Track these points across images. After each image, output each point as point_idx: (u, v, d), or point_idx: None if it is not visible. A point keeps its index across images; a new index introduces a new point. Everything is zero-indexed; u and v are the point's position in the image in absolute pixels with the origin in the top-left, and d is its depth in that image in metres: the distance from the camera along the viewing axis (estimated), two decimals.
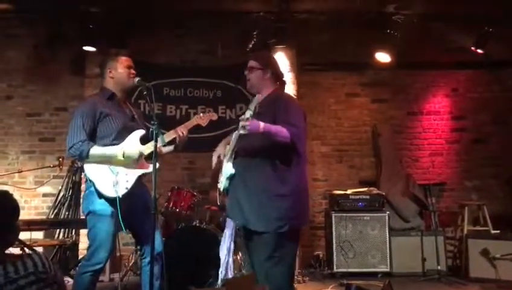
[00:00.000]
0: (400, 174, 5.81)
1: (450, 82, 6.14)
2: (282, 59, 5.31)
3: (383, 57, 5.53)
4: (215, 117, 3.36)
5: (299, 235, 3.12)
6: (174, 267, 3.89)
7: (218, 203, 3.49)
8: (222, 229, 4.36)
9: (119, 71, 3.13)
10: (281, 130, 2.81)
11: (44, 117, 5.86)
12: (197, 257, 4.01)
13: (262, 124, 2.75)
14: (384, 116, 6.07)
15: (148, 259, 3.02)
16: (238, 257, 4.17)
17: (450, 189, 5.99)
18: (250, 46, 5.33)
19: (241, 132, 2.80)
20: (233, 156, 3.04)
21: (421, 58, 5.92)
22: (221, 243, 3.55)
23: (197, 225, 4.27)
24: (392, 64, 5.61)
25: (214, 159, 3.19)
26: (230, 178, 3.01)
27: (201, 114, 3.35)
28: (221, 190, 3.09)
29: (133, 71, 3.15)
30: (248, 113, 2.83)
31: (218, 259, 3.98)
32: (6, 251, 1.57)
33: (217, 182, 4.89)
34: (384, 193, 5.30)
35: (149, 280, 2.85)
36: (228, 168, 3.00)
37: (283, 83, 3.22)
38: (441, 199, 5.95)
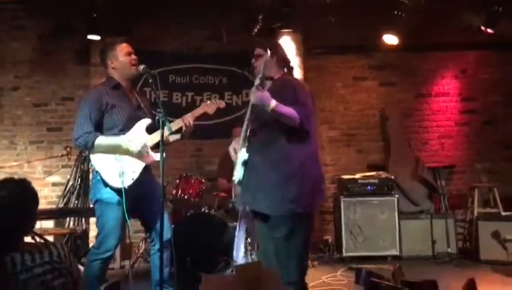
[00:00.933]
0: (408, 158, 5.76)
1: (459, 63, 6.05)
2: (288, 43, 5.26)
3: (390, 39, 5.43)
4: (222, 105, 3.33)
5: (312, 218, 3.12)
6: (184, 254, 3.92)
7: (234, 197, 3.50)
8: (231, 216, 4.39)
9: (121, 60, 3.09)
10: (290, 112, 2.80)
11: (51, 107, 5.87)
12: (206, 243, 4.02)
13: (274, 102, 2.74)
14: (392, 99, 6.01)
15: (157, 246, 3.03)
16: (249, 242, 4.19)
17: (460, 171, 5.93)
18: (256, 30, 5.27)
19: (251, 100, 2.80)
20: (246, 142, 3.04)
21: (430, 40, 5.83)
22: (237, 229, 3.58)
23: (206, 211, 4.28)
24: (400, 46, 5.52)
25: (232, 153, 3.19)
26: (245, 164, 3.01)
27: (208, 102, 3.32)
28: (236, 181, 3.09)
29: (134, 57, 3.11)
30: (257, 81, 2.84)
31: (227, 245, 4.02)
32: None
33: (225, 171, 4.93)
34: (393, 177, 5.27)
35: (158, 267, 2.86)
36: (242, 154, 3.01)
37: (290, 69, 3.20)
38: (451, 181, 5.90)
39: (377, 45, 5.64)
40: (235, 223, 4.26)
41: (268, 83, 3.02)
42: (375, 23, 5.36)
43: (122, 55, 3.09)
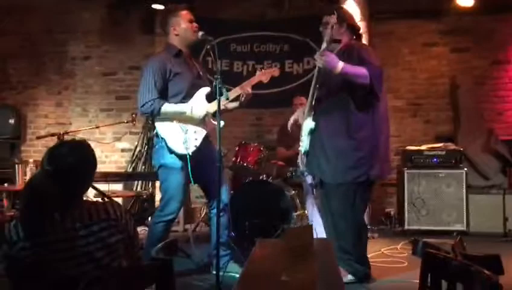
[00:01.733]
0: (481, 129, 5.41)
1: None
2: (352, 8, 5.03)
3: (465, 0, 5.05)
4: (276, 73, 3.30)
5: (371, 188, 3.08)
6: (243, 220, 4.01)
7: (301, 168, 3.50)
8: (289, 184, 4.40)
9: (183, 26, 3.14)
10: (360, 70, 2.76)
11: (119, 76, 6.12)
12: (264, 209, 4.07)
13: (341, 63, 2.71)
14: (464, 67, 5.62)
15: (215, 210, 3.12)
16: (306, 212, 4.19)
17: None
18: None
19: (318, 64, 2.79)
20: (312, 111, 3.03)
21: (509, 0, 5.33)
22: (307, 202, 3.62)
23: (264, 179, 4.32)
24: (475, 8, 5.12)
25: (291, 121, 3.21)
26: (311, 133, 3.01)
27: (263, 70, 3.29)
28: (303, 151, 3.10)
29: (195, 24, 3.14)
30: (324, 45, 2.85)
31: (285, 212, 4.06)
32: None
33: (283, 140, 4.93)
34: (462, 149, 4.98)
35: (215, 230, 2.95)
36: (308, 123, 3.01)
37: (359, 36, 3.16)
38: None
39: (449, 8, 5.26)
40: (292, 192, 4.27)
41: (336, 48, 2.99)
42: None
43: (184, 22, 3.14)
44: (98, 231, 1.54)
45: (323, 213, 3.17)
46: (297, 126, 3.23)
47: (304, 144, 3.09)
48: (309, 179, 3.89)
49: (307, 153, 3.10)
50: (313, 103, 3.03)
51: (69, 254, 1.49)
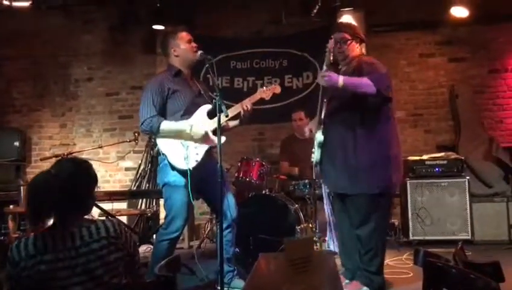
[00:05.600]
0: (481, 137, 5.43)
1: None
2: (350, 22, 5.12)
3: (459, 11, 5.11)
4: (278, 90, 3.35)
5: (392, 197, 3.13)
6: (246, 235, 4.02)
7: (314, 178, 3.55)
8: (292, 198, 4.42)
9: (182, 48, 3.20)
10: (360, 80, 2.82)
11: (122, 96, 6.21)
12: (268, 224, 4.08)
13: (341, 78, 2.78)
14: (462, 76, 5.67)
15: (224, 224, 3.13)
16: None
17: None
18: (315, 11, 5.18)
19: (322, 83, 2.90)
20: (322, 124, 3.09)
21: (504, 10, 5.38)
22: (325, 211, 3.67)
23: (267, 193, 4.34)
24: (471, 18, 5.18)
25: (307, 132, 3.28)
26: (321, 146, 3.06)
27: (264, 88, 3.34)
28: (314, 162, 3.15)
29: (194, 44, 3.21)
30: (324, 67, 2.97)
31: (289, 227, 4.07)
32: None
33: (286, 153, 4.98)
34: (463, 158, 5.00)
35: (225, 245, 2.97)
36: (318, 137, 3.06)
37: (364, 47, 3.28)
38: None
39: (445, 19, 5.32)
40: (296, 205, 4.29)
41: (344, 65, 3.07)
42: None
43: (183, 43, 3.20)
44: (98, 249, 1.57)
45: (340, 223, 3.21)
46: (311, 136, 3.28)
47: (315, 155, 3.14)
48: (325, 192, 3.92)
49: (318, 164, 3.14)
50: (322, 117, 3.09)
51: (69, 272, 1.52)
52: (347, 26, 3.23)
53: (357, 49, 3.08)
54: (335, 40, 3.06)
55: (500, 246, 4.59)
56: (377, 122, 2.94)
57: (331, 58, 3.00)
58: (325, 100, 3.08)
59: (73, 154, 4.02)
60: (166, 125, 3.08)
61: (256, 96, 3.27)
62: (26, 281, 1.51)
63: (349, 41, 3.04)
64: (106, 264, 1.57)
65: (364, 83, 2.80)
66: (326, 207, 4.00)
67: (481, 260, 1.70)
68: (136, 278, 1.69)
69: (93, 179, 1.72)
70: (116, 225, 1.66)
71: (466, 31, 5.57)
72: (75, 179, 1.63)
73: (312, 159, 3.15)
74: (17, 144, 6.00)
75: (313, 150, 3.13)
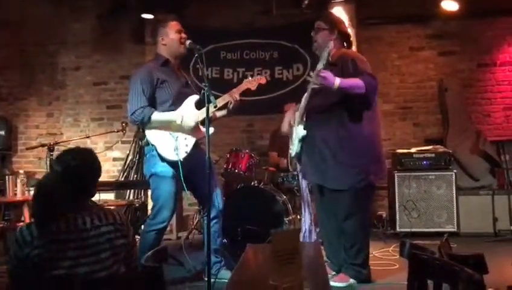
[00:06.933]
0: (469, 131, 5.48)
1: None
2: (340, 14, 5.09)
3: (450, 5, 5.13)
4: (263, 81, 3.34)
5: (374, 189, 3.14)
6: (235, 226, 4.02)
7: (290, 169, 3.53)
8: (280, 190, 4.43)
9: (171, 37, 3.17)
10: (355, 82, 2.79)
11: (110, 85, 6.14)
12: (256, 215, 4.09)
13: (338, 80, 2.73)
14: (452, 70, 5.70)
15: (210, 215, 3.12)
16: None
17: None
18: (306, 2, 5.15)
19: (315, 85, 2.81)
20: (304, 118, 3.05)
21: (493, 4, 5.41)
22: (302, 205, 3.66)
23: (256, 185, 4.34)
24: (461, 12, 5.20)
25: (285, 125, 3.23)
26: (303, 140, 3.04)
27: (250, 78, 3.33)
28: (293, 155, 3.13)
29: (183, 35, 3.17)
30: (320, 65, 2.83)
31: (277, 218, 4.08)
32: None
33: (276, 145, 4.96)
34: (451, 151, 5.05)
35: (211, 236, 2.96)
36: (300, 131, 3.04)
37: (350, 43, 3.18)
38: None
39: (435, 13, 5.35)
40: (284, 197, 4.30)
41: (325, 55, 3.01)
42: None
43: (172, 33, 3.17)
44: (107, 232, 1.65)
45: (323, 218, 3.20)
46: (291, 127, 3.26)
47: (294, 147, 3.11)
48: (304, 183, 3.91)
49: (298, 157, 3.13)
50: (304, 111, 3.06)
51: (79, 253, 1.58)
52: (327, 16, 3.17)
53: (329, 40, 2.92)
54: (315, 27, 3.03)
55: (486, 238, 4.66)
56: (359, 117, 2.93)
57: (330, 58, 2.87)
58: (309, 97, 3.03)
59: (60, 145, 3.95)
60: (157, 116, 3.05)
61: (243, 86, 3.26)
62: (36, 260, 1.54)
63: (322, 30, 2.98)
64: (112, 248, 1.64)
65: (359, 85, 2.78)
66: (304, 190, 3.99)
67: (466, 252, 1.72)
68: (130, 269, 1.73)
69: (98, 170, 1.81)
70: (121, 214, 1.76)
71: (456, 25, 5.59)
72: (82, 172, 1.70)
73: (290, 151, 3.14)
74: (2, 133, 5.92)
75: (291, 141, 3.11)
